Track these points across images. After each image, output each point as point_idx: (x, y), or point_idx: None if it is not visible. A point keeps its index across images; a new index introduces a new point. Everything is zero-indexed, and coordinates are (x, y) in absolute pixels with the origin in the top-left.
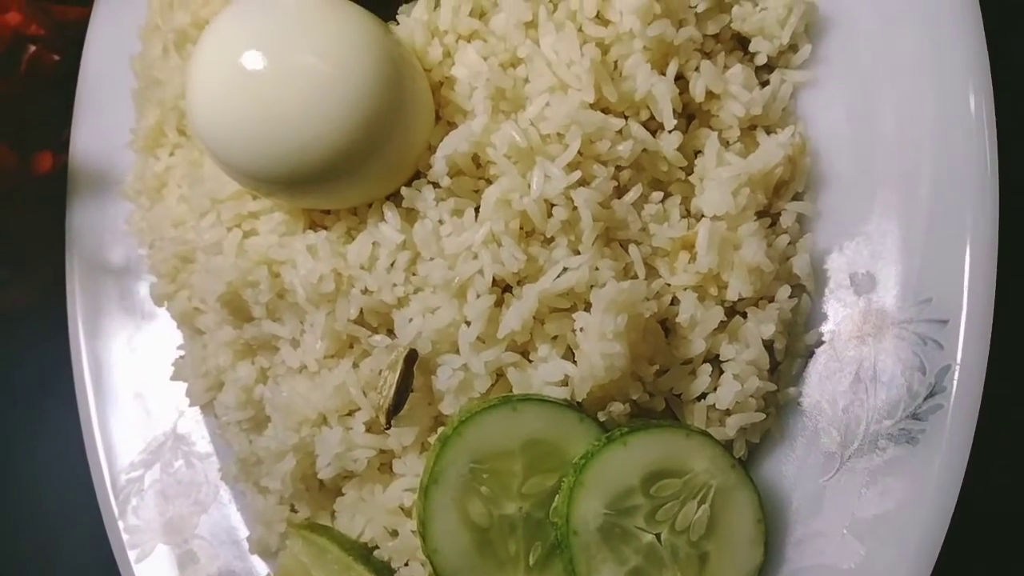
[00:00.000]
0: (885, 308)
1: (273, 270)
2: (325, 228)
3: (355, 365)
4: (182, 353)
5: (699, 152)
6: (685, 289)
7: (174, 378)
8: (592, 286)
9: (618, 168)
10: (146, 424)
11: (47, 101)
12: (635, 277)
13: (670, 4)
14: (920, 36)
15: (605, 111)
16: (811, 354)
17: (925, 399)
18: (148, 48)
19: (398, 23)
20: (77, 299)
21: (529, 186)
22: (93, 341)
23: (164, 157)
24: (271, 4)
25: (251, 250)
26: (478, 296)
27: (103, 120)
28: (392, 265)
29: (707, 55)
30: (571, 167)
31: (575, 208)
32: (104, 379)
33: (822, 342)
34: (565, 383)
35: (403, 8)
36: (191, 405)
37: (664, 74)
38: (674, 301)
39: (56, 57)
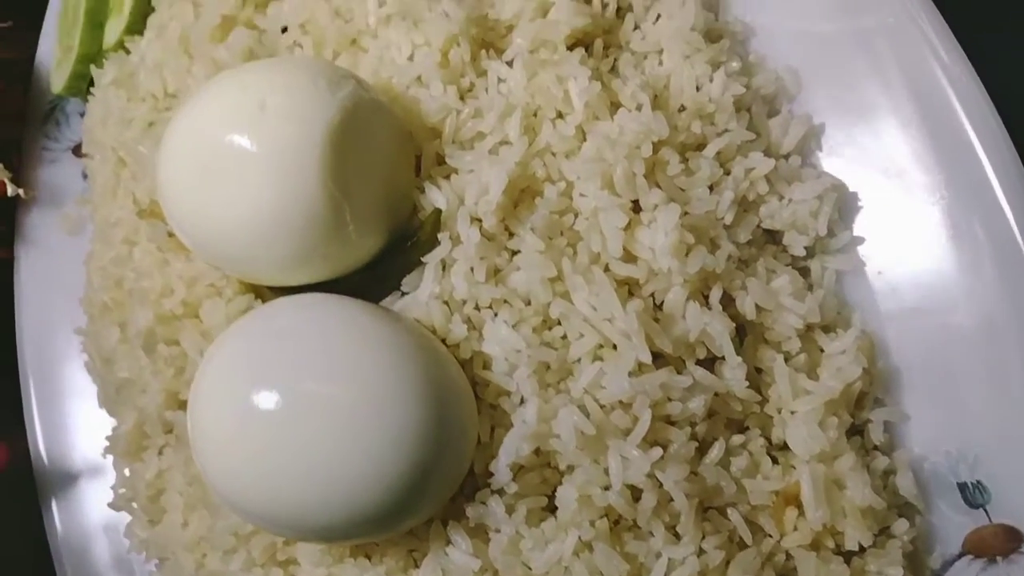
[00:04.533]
0: (1007, 523)
1: None
2: (377, 556)
3: None
4: None
5: (760, 369)
6: (799, 546)
7: None
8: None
9: (691, 424)
10: None
11: None
12: (742, 545)
13: (700, 229)
14: (968, 204)
15: (656, 354)
16: None
17: None
18: (96, 324)
19: (402, 294)
20: None
21: (606, 472)
22: None
23: (153, 460)
24: (276, 323)
25: None
26: None
27: (60, 410)
28: None
29: (744, 263)
30: (647, 442)
31: (661, 485)
32: None
33: (948, 564)
34: None
35: (406, 280)
36: None
37: (709, 303)
38: (788, 555)
39: None
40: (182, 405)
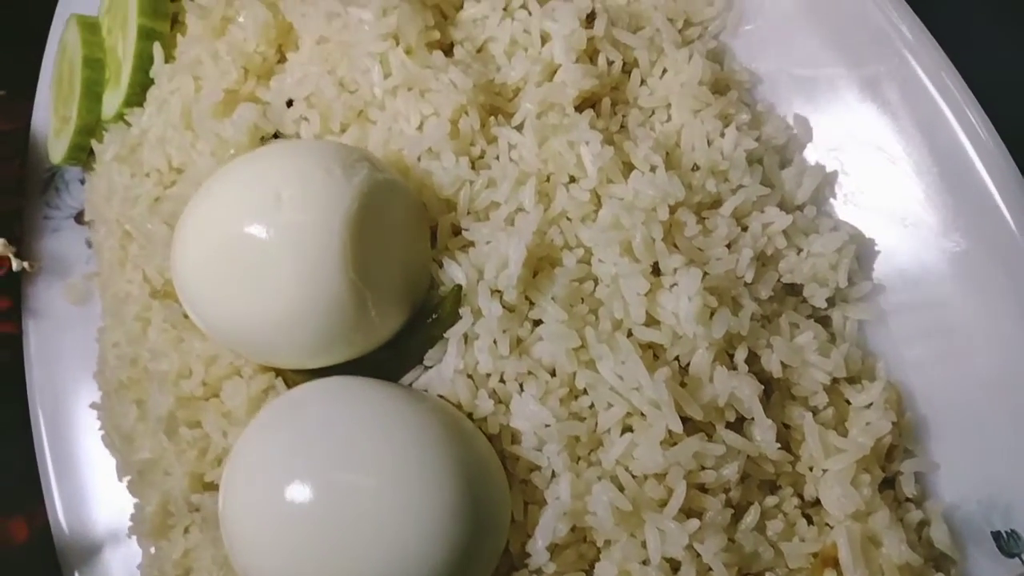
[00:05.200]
0: None
1: None
2: None
3: None
4: None
5: (788, 425)
6: None
7: None
8: None
9: (725, 490)
10: None
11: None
12: None
13: (721, 290)
14: (987, 251)
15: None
16: None
17: None
18: (112, 400)
19: (425, 368)
20: None
21: (644, 546)
22: None
23: (179, 539)
24: (303, 415)
25: None
26: None
27: (78, 482)
28: None
29: (767, 319)
30: (682, 512)
31: (698, 555)
32: None
33: None
34: None
35: (429, 355)
36: None
37: (734, 362)
38: None
39: None
40: (207, 487)
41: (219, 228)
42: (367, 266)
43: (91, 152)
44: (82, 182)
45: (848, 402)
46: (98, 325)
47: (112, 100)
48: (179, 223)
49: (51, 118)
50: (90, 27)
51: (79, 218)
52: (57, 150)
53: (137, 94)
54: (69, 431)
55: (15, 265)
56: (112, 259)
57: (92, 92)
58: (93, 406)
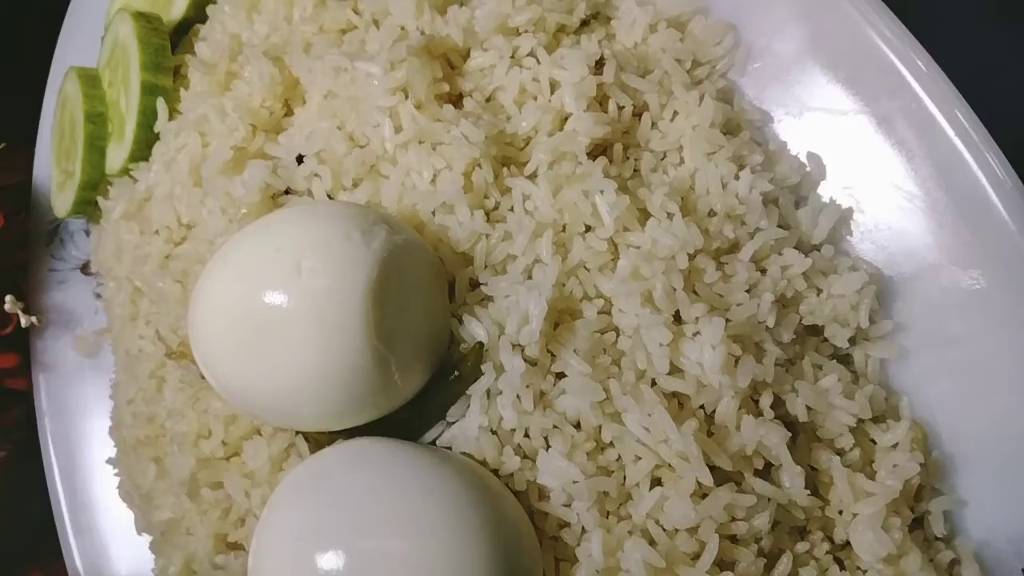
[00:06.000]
0: None
1: None
2: None
3: None
4: None
5: (815, 468)
6: None
7: None
8: None
9: (757, 540)
10: None
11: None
12: None
13: (744, 337)
14: (1006, 287)
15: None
16: None
17: None
18: (129, 458)
19: (448, 424)
20: None
21: None
22: None
23: None
24: (329, 484)
25: None
26: None
27: (96, 536)
28: None
29: (790, 361)
30: (716, 566)
31: None
32: None
33: None
34: None
35: (452, 412)
36: None
37: (760, 407)
38: None
39: None
40: (232, 547)
41: (239, 298)
42: (390, 330)
43: (95, 203)
44: (87, 233)
45: (874, 442)
46: (109, 375)
47: (117, 155)
48: (195, 290)
49: (53, 170)
50: (90, 80)
51: (85, 269)
52: (62, 204)
53: (142, 149)
54: (85, 483)
55: (23, 321)
56: (123, 314)
57: (96, 147)
58: (109, 462)
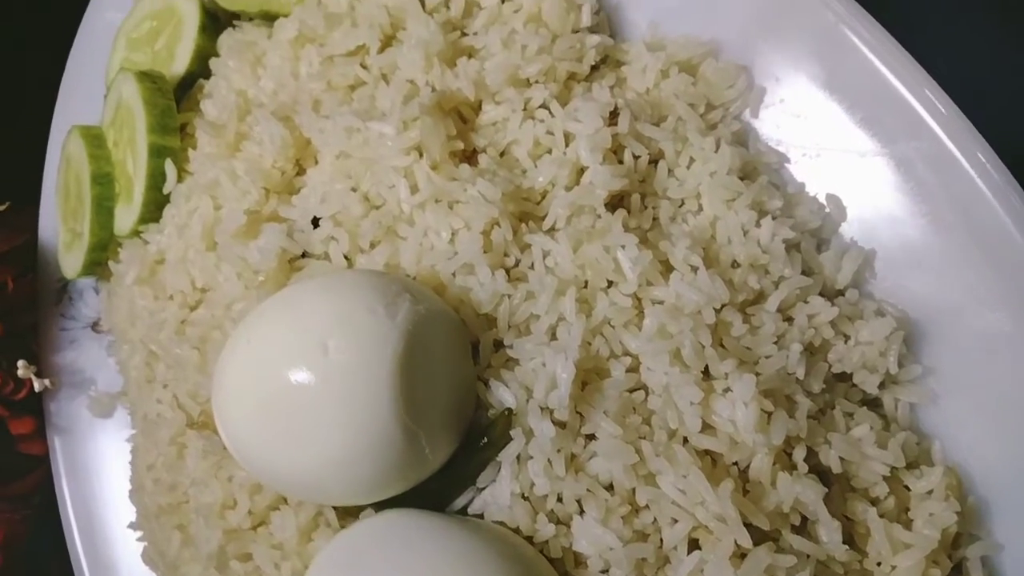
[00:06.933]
0: None
1: None
2: None
3: None
4: None
5: (851, 519)
6: None
7: None
8: None
9: None
10: None
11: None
12: None
13: (775, 392)
14: None
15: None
16: None
17: None
18: (152, 524)
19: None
20: None
21: None
22: None
23: None
24: (361, 563)
25: None
26: None
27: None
28: None
29: (821, 412)
30: None
31: None
32: None
33: None
34: None
35: (482, 477)
36: None
37: (793, 461)
38: None
39: None
40: None
41: (264, 378)
42: (418, 404)
43: (105, 264)
44: (96, 290)
45: (908, 488)
46: (125, 433)
47: (126, 217)
48: (219, 368)
49: (59, 230)
50: (95, 139)
51: (95, 327)
52: (71, 265)
53: (151, 211)
54: (107, 546)
55: (37, 386)
56: (139, 378)
57: (104, 208)
58: (131, 527)
